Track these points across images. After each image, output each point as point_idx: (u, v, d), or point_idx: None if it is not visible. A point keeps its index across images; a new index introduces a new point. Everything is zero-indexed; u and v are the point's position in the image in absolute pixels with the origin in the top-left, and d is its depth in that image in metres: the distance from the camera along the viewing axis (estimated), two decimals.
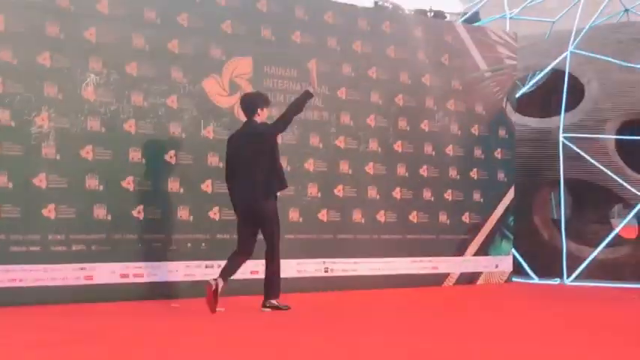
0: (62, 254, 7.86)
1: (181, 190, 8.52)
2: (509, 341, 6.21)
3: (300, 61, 9.31)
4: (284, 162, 8.87)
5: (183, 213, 8.54)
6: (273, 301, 7.66)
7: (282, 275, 7.80)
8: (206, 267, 8.64)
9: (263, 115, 7.84)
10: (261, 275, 7.81)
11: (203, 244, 8.66)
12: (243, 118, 8.77)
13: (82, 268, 7.96)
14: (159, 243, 8.41)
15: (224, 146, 8.67)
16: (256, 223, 7.66)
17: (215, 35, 8.79)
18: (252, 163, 7.58)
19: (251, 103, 7.81)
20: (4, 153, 7.59)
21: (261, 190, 7.58)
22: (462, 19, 13.48)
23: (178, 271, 8.50)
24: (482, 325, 7.22)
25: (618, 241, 12.06)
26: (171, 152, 8.48)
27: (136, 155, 8.28)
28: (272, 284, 7.70)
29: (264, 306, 7.66)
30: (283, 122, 7.75)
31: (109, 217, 8.11)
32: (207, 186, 8.69)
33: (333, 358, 5.38)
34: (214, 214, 8.72)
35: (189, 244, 8.58)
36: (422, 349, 5.76)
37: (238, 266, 7.71)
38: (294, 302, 8.39)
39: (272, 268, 7.69)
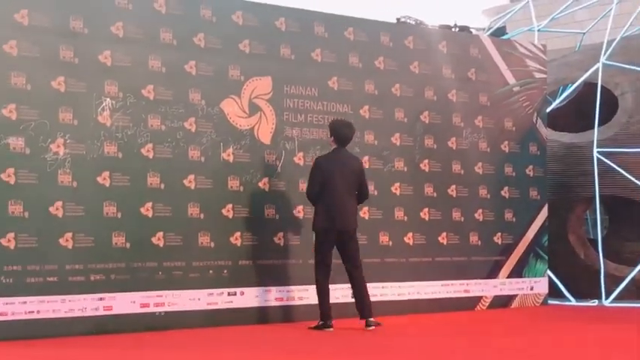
0: (80, 284, 7.64)
1: (202, 216, 8.28)
2: None
3: (321, 79, 9.09)
4: (302, 184, 8.77)
5: (204, 239, 8.30)
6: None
7: (305, 301, 7.90)
8: (229, 294, 8.39)
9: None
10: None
11: (225, 271, 8.40)
12: (264, 140, 8.65)
13: (100, 299, 7.74)
14: (179, 271, 8.17)
15: (244, 169, 8.50)
16: (344, 241, 8.17)
17: (233, 55, 8.58)
18: (351, 190, 8.21)
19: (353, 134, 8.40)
20: (20, 181, 7.40)
21: (355, 216, 8.32)
22: (488, 33, 13.18)
23: (200, 299, 8.24)
24: (522, 351, 6.90)
25: None
26: (191, 177, 8.25)
27: (154, 180, 8.06)
28: None
29: None
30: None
31: (128, 245, 7.89)
32: (227, 211, 8.43)
33: None
34: (236, 239, 8.46)
35: (210, 271, 8.32)
36: None
37: None
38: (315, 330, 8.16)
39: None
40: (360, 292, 8.16)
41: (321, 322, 8.08)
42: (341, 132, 8.30)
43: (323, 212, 8.14)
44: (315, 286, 8.16)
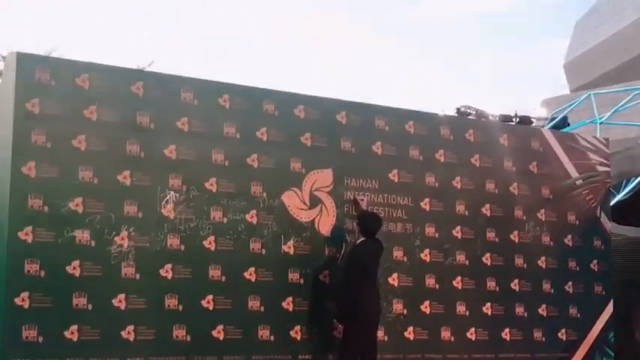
0: None
1: (262, 309, 8.26)
2: None
3: (382, 171, 9.13)
4: None
5: (263, 332, 8.25)
6: None
7: None
8: None
9: None
10: None
11: None
12: (324, 232, 8.66)
13: None
14: None
15: (305, 261, 8.50)
16: (373, 332, 8.26)
17: (294, 148, 8.67)
18: (376, 276, 8.42)
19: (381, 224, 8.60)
20: (85, 274, 7.50)
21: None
22: (550, 124, 13.14)
23: None
24: None
25: None
26: (251, 269, 8.27)
27: (215, 273, 8.09)
28: None
29: None
30: None
31: (189, 338, 7.88)
32: (288, 304, 8.40)
33: None
34: (296, 333, 8.40)
35: None
36: None
37: None
38: None
39: None
40: None
41: None
42: (368, 224, 8.48)
43: (366, 301, 8.20)
44: None
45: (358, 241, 8.48)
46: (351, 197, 8.86)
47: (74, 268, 7.47)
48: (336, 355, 8.42)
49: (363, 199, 8.82)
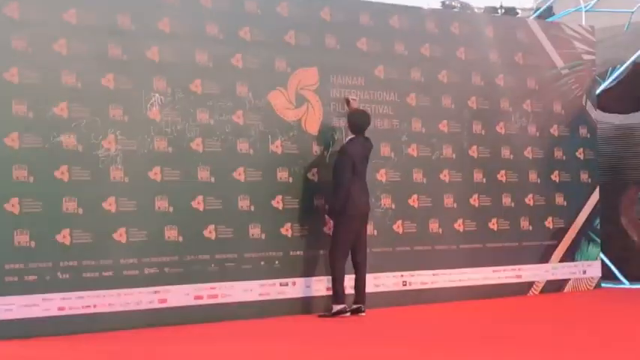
0: (135, 278, 7.75)
1: (252, 208, 8.34)
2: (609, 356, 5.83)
3: (367, 68, 9.08)
4: None
5: (254, 231, 8.36)
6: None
7: None
8: (280, 285, 8.45)
9: None
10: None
11: (277, 262, 8.46)
12: (311, 131, 8.66)
13: (155, 292, 7.84)
14: (232, 262, 8.24)
15: (293, 160, 8.54)
16: (362, 227, 8.42)
17: (279, 47, 8.60)
18: (365, 173, 8.45)
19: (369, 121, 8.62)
20: (73, 178, 7.52)
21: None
22: (535, 14, 13.03)
23: (253, 290, 8.32)
24: (577, 337, 6.84)
25: None
26: (240, 169, 8.31)
27: (204, 174, 8.13)
28: None
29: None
30: None
31: (181, 239, 7.98)
32: (277, 202, 8.48)
33: None
34: (286, 230, 8.52)
35: (262, 263, 8.39)
36: None
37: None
38: (373, 318, 8.19)
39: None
40: (363, 278, 8.43)
41: (340, 307, 8.26)
42: (357, 121, 8.51)
43: (356, 197, 8.32)
44: (332, 272, 8.39)
45: (347, 139, 8.52)
46: (338, 95, 8.85)
47: (62, 173, 7.48)
48: (326, 250, 8.55)
49: (355, 99, 8.80)
